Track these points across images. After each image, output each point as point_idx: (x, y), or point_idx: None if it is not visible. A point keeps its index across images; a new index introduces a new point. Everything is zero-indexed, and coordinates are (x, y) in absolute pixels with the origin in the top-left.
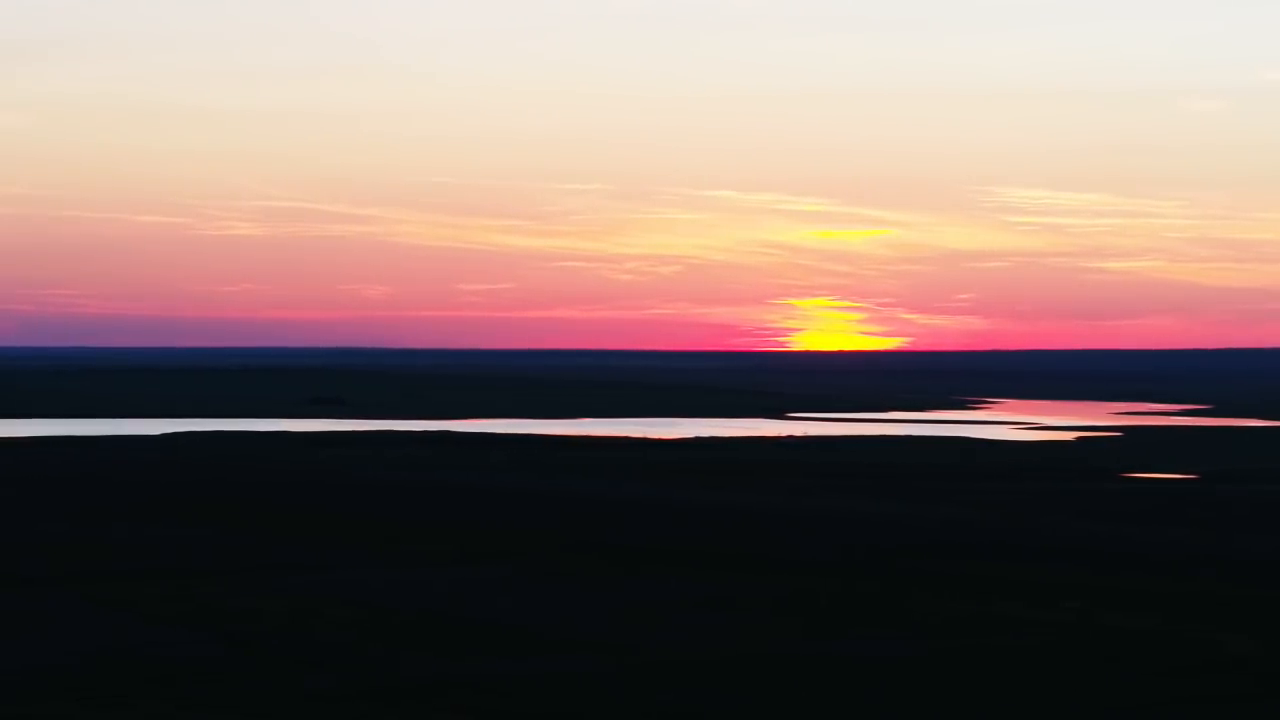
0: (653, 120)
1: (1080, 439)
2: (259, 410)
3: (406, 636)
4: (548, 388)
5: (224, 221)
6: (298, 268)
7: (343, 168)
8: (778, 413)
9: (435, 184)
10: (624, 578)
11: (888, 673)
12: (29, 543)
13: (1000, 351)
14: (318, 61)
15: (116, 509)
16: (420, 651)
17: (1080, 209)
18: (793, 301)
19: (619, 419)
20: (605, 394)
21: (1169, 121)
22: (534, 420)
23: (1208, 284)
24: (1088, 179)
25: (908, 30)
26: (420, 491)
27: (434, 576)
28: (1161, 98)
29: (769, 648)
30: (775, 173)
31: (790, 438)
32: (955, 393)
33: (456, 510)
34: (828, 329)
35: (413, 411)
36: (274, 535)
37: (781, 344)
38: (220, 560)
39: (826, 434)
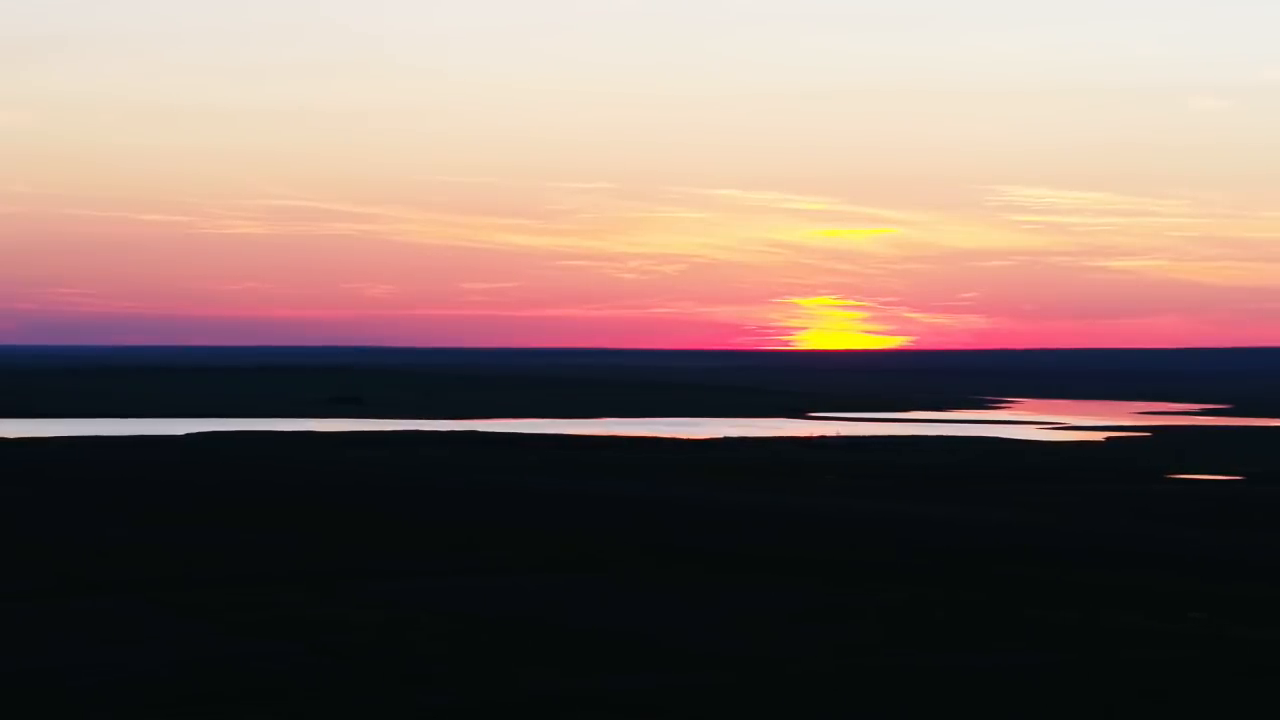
0: (657, 119)
1: (1110, 439)
2: (278, 410)
3: (513, 648)
4: (564, 387)
5: (227, 220)
6: (301, 266)
7: (346, 166)
8: (798, 412)
9: (439, 182)
10: (719, 585)
11: (1030, 688)
12: (88, 546)
13: (1004, 350)
14: (320, 60)
15: (168, 511)
16: (532, 665)
17: (1084, 208)
18: (796, 300)
19: (640, 418)
20: (622, 393)
21: (1173, 120)
22: (556, 420)
23: (1211, 283)
24: (1091, 178)
25: (911, 29)
26: (472, 493)
27: (523, 583)
28: (1166, 96)
29: (895, 660)
30: (779, 172)
31: (821, 438)
32: (968, 391)
33: (516, 513)
34: (831, 328)
35: (433, 411)
36: (340, 540)
37: (785, 343)
38: (292, 566)
39: (856, 434)
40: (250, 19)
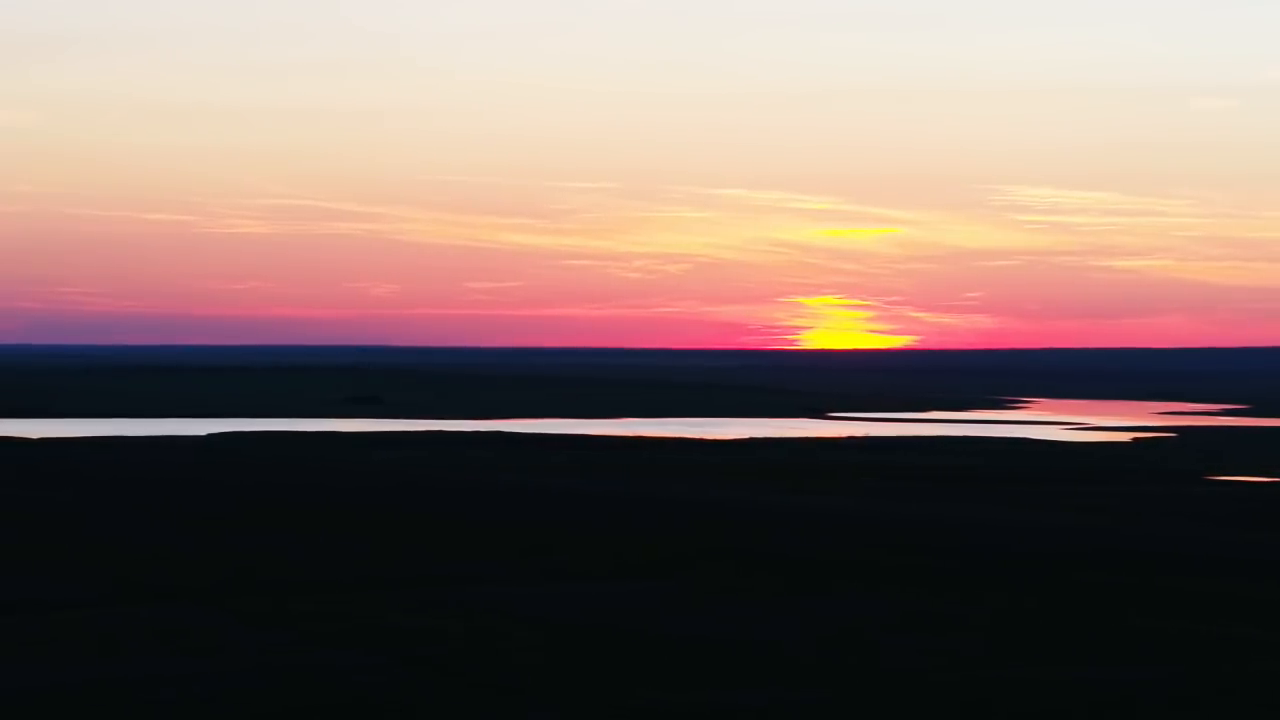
0: (661, 118)
1: (1138, 439)
2: (295, 409)
3: (612, 660)
4: (576, 386)
5: (231, 219)
6: (305, 265)
7: (350, 165)
8: (818, 413)
9: (443, 182)
10: (808, 593)
11: (1164, 705)
12: (144, 551)
13: (1010, 350)
14: (324, 59)
15: (216, 513)
16: (636, 678)
17: (1088, 207)
18: (801, 300)
19: (660, 418)
20: (635, 393)
21: (1177, 120)
22: (576, 420)
23: (1216, 282)
24: (1096, 177)
25: (916, 28)
26: (519, 495)
27: (604, 589)
28: (1170, 96)
29: (1011, 673)
30: (784, 171)
31: (850, 439)
32: (981, 391)
33: (571, 515)
34: (836, 327)
35: (452, 411)
36: (400, 543)
37: (790, 342)
38: (358, 570)
39: (883, 435)
40: (255, 19)
